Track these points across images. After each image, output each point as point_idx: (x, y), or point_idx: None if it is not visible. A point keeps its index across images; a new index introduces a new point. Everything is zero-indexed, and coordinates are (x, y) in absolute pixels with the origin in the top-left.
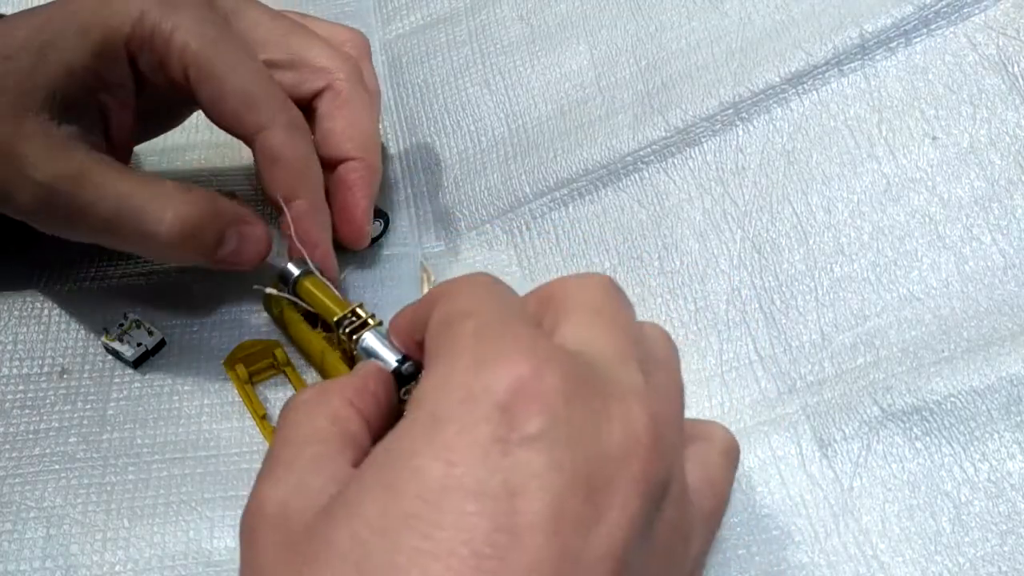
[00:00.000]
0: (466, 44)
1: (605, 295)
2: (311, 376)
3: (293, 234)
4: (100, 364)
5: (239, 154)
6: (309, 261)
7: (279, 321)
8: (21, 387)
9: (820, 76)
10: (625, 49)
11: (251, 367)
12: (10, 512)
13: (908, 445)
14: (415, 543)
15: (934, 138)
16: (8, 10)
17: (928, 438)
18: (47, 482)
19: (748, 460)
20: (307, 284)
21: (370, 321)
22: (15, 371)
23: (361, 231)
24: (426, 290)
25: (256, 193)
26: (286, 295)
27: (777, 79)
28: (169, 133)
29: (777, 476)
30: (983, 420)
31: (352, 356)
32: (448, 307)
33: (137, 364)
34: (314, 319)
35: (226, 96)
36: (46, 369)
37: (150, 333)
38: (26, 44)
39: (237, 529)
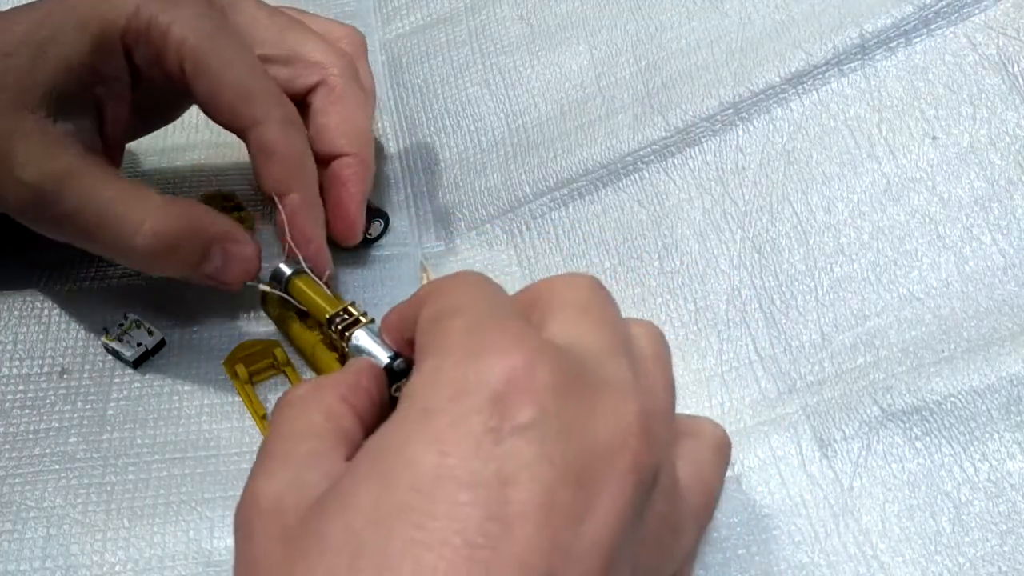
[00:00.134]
0: (466, 44)
1: (591, 293)
2: (310, 376)
3: (286, 229)
4: (100, 364)
5: (239, 154)
6: (302, 260)
7: (276, 320)
8: (21, 387)
9: (820, 76)
10: (625, 49)
11: (251, 367)
12: (10, 512)
13: (908, 445)
14: (408, 533)
15: (934, 138)
16: (3, 6)
17: (928, 438)
18: (47, 482)
19: (748, 460)
20: (299, 283)
21: (362, 319)
22: (15, 371)
23: (354, 227)
24: None
25: (256, 193)
26: (279, 292)
27: (777, 79)
28: (169, 133)
29: (777, 476)
30: (983, 420)
31: (344, 354)
32: (438, 304)
33: (137, 364)
34: (307, 317)
35: (222, 90)
36: (46, 369)
37: (150, 333)
38: (26, 40)
39: None
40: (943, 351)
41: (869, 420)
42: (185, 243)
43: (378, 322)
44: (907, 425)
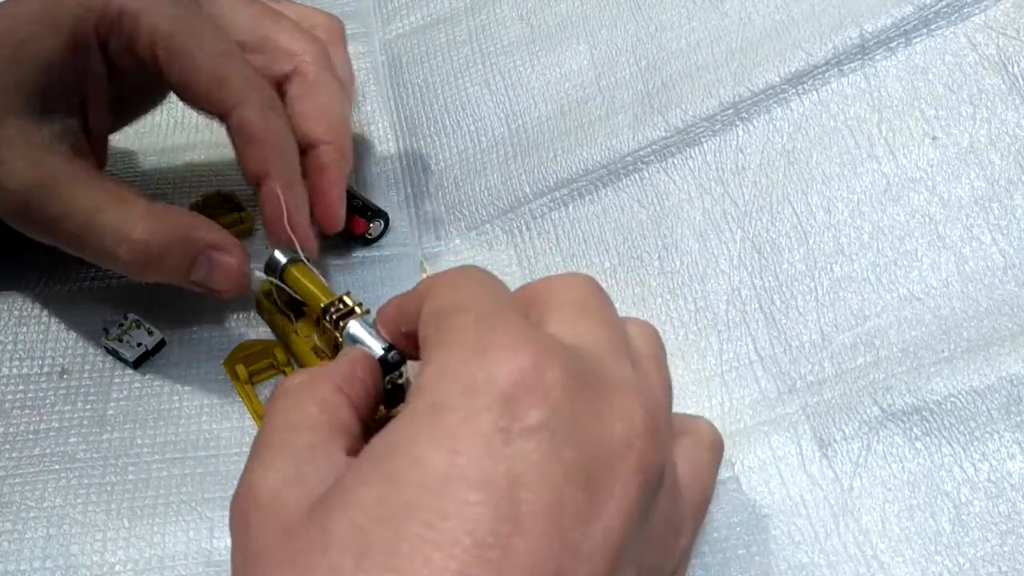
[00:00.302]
0: (466, 44)
1: (589, 293)
2: None
3: (269, 213)
4: (100, 364)
5: None
6: (299, 248)
7: (270, 324)
8: (21, 387)
9: (820, 76)
10: (625, 49)
11: (251, 367)
12: (10, 512)
13: (908, 445)
14: (418, 532)
15: (934, 138)
16: None
17: (928, 438)
18: (47, 482)
19: (748, 460)
20: (295, 272)
21: (357, 309)
22: (15, 371)
23: (336, 213)
24: None
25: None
26: (274, 280)
27: (777, 79)
28: (169, 133)
29: (777, 476)
30: (983, 420)
31: (337, 344)
32: (442, 300)
33: (137, 364)
34: (299, 309)
35: (196, 75)
36: (46, 369)
37: (150, 333)
38: (2, 41)
39: None
40: (943, 351)
41: (869, 420)
42: (171, 253)
43: (373, 314)
44: (907, 425)
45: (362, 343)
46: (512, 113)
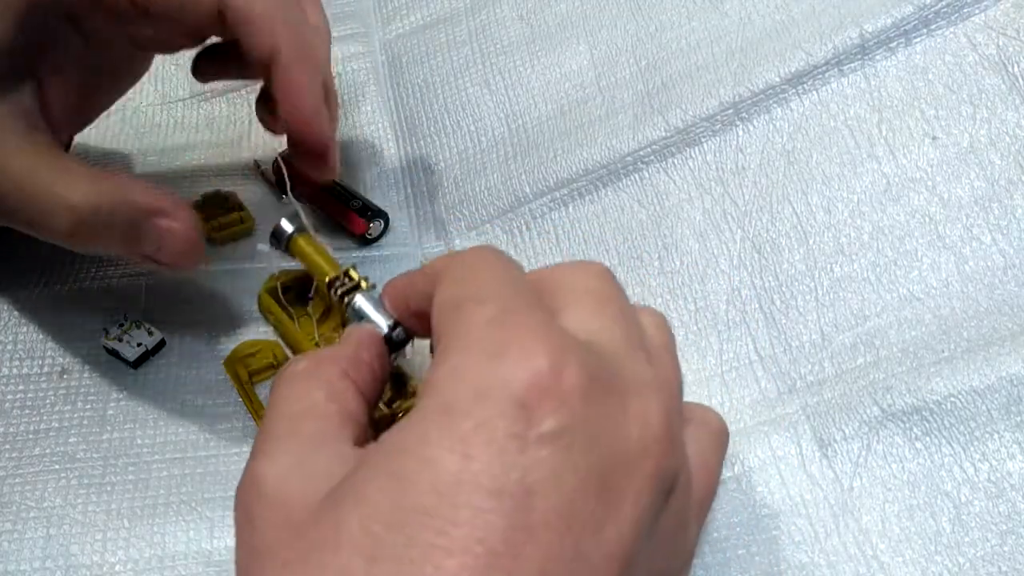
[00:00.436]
0: (466, 44)
1: (604, 283)
2: None
3: (280, 91)
4: (100, 364)
5: (239, 154)
6: (301, 214)
7: (274, 324)
8: (21, 387)
9: (820, 76)
10: (625, 49)
11: (251, 367)
12: (10, 512)
13: (908, 445)
14: (429, 538)
15: (934, 138)
16: None
17: (928, 438)
18: (47, 482)
19: (748, 460)
20: (300, 242)
21: (363, 284)
22: (15, 371)
23: (311, 122)
24: None
25: (255, 193)
26: (281, 249)
27: (777, 79)
28: (169, 133)
29: (777, 476)
30: (983, 420)
31: (343, 319)
32: (458, 289)
33: (137, 364)
34: (304, 295)
35: None
36: (46, 369)
37: (150, 333)
38: None
39: None
40: (943, 351)
41: (869, 420)
42: (112, 219)
43: (379, 289)
44: (907, 425)
45: (368, 318)
46: (512, 113)
